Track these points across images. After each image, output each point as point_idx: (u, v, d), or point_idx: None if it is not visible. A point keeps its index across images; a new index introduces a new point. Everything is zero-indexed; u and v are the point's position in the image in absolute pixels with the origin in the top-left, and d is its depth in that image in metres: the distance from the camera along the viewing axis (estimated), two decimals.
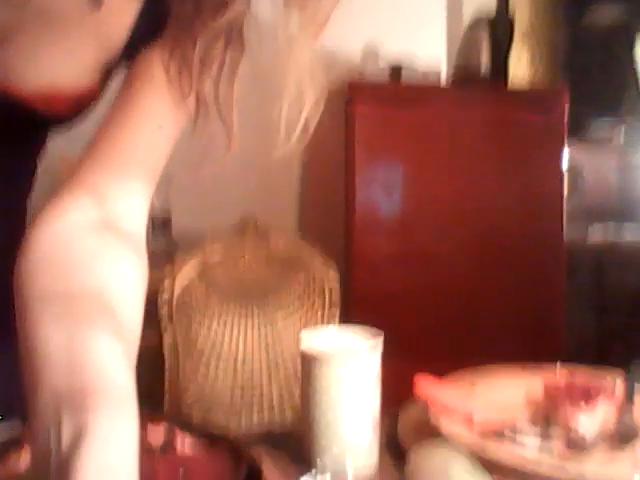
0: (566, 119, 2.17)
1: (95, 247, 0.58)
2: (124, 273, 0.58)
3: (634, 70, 2.80)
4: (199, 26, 0.60)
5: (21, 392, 0.50)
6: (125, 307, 0.56)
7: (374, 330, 0.79)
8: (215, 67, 0.63)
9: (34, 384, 0.48)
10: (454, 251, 2.11)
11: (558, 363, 0.96)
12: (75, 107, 0.65)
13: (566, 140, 2.18)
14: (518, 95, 2.37)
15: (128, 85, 0.65)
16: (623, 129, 2.81)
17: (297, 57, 0.62)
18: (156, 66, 0.63)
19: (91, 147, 0.63)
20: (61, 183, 0.62)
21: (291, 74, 0.62)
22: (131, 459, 0.43)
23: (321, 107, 0.62)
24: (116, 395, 0.46)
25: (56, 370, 0.47)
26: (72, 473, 0.41)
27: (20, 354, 0.51)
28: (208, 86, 0.63)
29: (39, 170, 0.76)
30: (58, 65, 0.61)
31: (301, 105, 0.62)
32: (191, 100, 0.63)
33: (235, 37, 0.63)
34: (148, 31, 0.64)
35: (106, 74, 0.65)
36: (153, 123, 0.64)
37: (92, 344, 0.49)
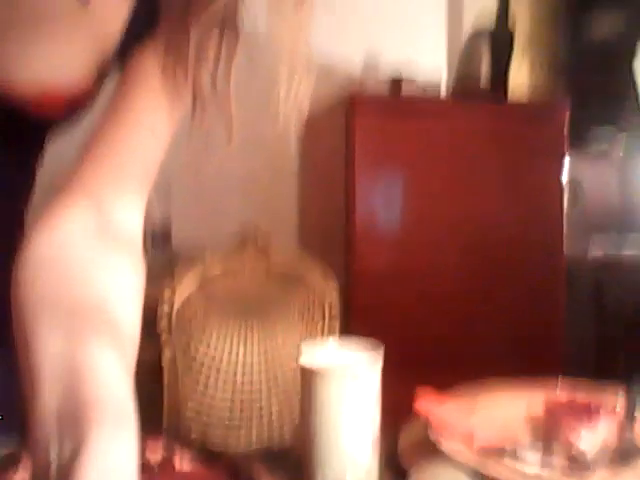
0: (566, 131, 2.17)
1: (93, 253, 0.58)
2: (122, 279, 0.58)
3: (634, 81, 2.80)
4: (191, 17, 0.60)
5: (19, 406, 0.49)
6: (124, 314, 0.55)
7: (374, 342, 0.79)
8: (211, 58, 0.62)
9: (33, 394, 0.48)
10: (454, 264, 2.10)
11: (559, 378, 0.95)
12: (69, 107, 0.64)
13: (566, 152, 2.18)
14: (518, 107, 2.38)
15: (122, 86, 0.64)
16: (623, 140, 2.81)
17: (289, 39, 0.61)
18: (150, 64, 0.63)
19: (86, 150, 0.62)
20: (57, 187, 0.61)
21: (284, 56, 0.61)
22: (131, 473, 0.43)
23: (311, 86, 0.61)
24: (116, 410, 0.46)
25: (55, 382, 0.47)
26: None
27: (19, 363, 0.51)
28: (205, 78, 0.62)
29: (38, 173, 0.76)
30: (51, 65, 0.61)
31: (295, 85, 0.61)
32: (187, 95, 0.62)
33: (229, 26, 0.63)
34: (141, 29, 0.63)
35: (101, 74, 0.65)
36: (147, 126, 0.63)
37: (91, 356, 0.49)
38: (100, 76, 0.65)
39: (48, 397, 0.47)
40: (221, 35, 0.62)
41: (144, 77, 0.63)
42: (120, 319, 0.55)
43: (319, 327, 1.38)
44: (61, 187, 0.61)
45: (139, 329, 0.57)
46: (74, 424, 0.44)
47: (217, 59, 0.63)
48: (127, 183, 0.63)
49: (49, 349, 0.49)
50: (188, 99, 0.63)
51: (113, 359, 0.50)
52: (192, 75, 0.61)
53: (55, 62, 0.61)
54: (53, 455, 0.44)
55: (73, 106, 0.65)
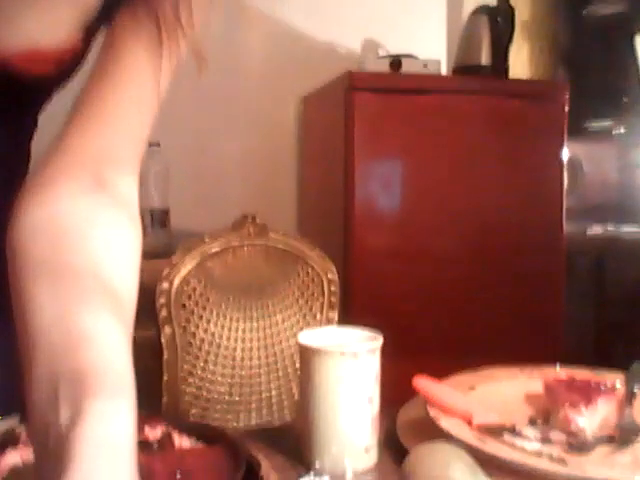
0: (566, 110, 2.17)
1: (89, 212, 0.57)
2: (119, 237, 0.58)
3: (634, 63, 2.78)
4: None
5: (18, 387, 0.49)
6: (121, 274, 0.55)
7: (374, 331, 0.79)
8: (184, 4, 0.61)
9: (30, 356, 0.48)
10: (453, 244, 2.10)
11: (557, 364, 0.96)
12: (57, 66, 0.63)
13: (566, 132, 2.17)
14: (519, 84, 2.36)
15: (110, 39, 0.63)
16: (623, 123, 2.80)
17: None
18: (134, 21, 0.62)
19: (77, 108, 0.61)
20: (49, 151, 0.60)
21: None
22: (128, 441, 0.43)
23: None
24: (113, 378, 0.46)
25: (51, 346, 0.47)
26: (71, 448, 0.41)
27: (16, 326, 0.51)
28: (168, 8, 0.61)
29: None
30: (36, 24, 0.60)
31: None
32: (158, 36, 0.61)
33: None
34: None
35: (88, 33, 0.64)
36: (137, 80, 0.62)
37: (87, 322, 0.49)
38: (87, 35, 0.64)
39: (45, 363, 0.47)
40: None
41: (129, 35, 0.62)
42: (116, 281, 0.54)
43: (319, 304, 1.38)
44: (54, 151, 0.60)
45: (136, 287, 0.57)
46: (71, 391, 0.44)
47: (189, 6, 0.62)
48: (121, 140, 0.62)
49: (45, 315, 0.49)
50: (154, 32, 0.62)
51: (110, 325, 0.50)
52: (155, 6, 0.61)
53: (41, 21, 0.60)
54: (51, 421, 0.44)
55: (61, 65, 0.64)
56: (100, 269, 0.54)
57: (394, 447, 0.78)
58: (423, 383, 0.83)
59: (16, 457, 0.62)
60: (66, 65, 0.64)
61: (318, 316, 1.38)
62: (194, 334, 1.31)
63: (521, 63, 2.78)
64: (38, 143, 0.76)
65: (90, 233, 0.56)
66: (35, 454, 0.46)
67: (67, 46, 0.62)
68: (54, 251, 0.54)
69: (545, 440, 0.75)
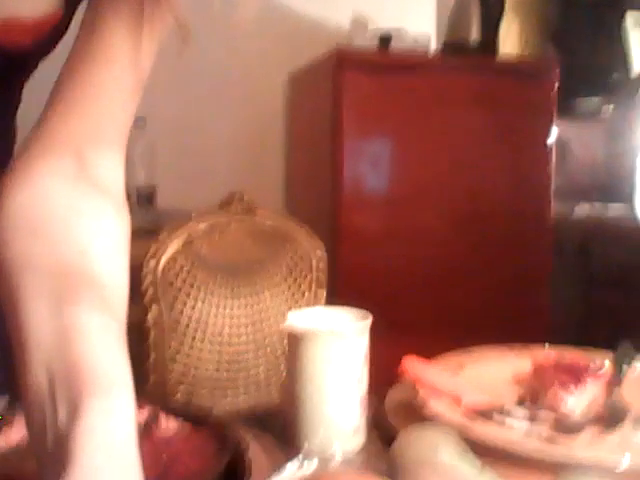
0: (555, 88, 2.16)
1: (74, 201, 0.56)
2: (106, 224, 0.56)
3: (623, 45, 2.77)
4: None
5: (9, 367, 0.49)
6: (109, 265, 0.54)
7: (362, 312, 0.78)
8: None
9: (23, 357, 0.47)
10: (441, 225, 2.10)
11: (546, 344, 0.96)
12: (37, 36, 0.62)
13: (555, 112, 2.17)
14: (508, 64, 2.35)
15: (90, 15, 0.60)
16: (611, 104, 2.80)
17: None
18: None
19: (58, 89, 0.59)
20: (31, 136, 0.58)
21: None
22: (129, 436, 0.43)
23: None
24: (110, 376, 0.45)
25: (44, 346, 0.47)
26: (70, 447, 0.41)
27: (7, 325, 0.50)
28: None
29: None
30: None
31: None
32: (141, 12, 0.59)
33: None
34: None
35: (70, 2, 0.63)
36: (120, 59, 0.59)
37: (78, 320, 0.48)
38: (68, 4, 0.63)
39: (39, 362, 0.46)
40: None
41: (110, 13, 0.59)
42: (105, 273, 0.53)
43: (307, 282, 1.37)
44: (36, 136, 0.58)
45: (127, 276, 0.56)
46: (67, 388, 0.44)
47: None
48: (105, 125, 0.60)
49: (35, 314, 0.49)
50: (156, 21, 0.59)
51: (101, 322, 0.49)
52: None
53: None
54: (49, 419, 0.43)
55: (41, 35, 0.62)
56: (86, 264, 0.52)
57: (383, 428, 0.78)
58: (411, 364, 0.83)
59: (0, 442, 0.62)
60: (46, 36, 0.63)
61: (306, 294, 1.38)
62: (181, 312, 1.30)
63: (511, 40, 2.76)
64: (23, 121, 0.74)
65: (74, 223, 0.54)
66: (35, 455, 0.45)
67: (47, 17, 0.61)
68: (39, 248, 0.52)
69: (534, 420, 0.75)
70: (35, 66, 0.68)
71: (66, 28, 0.65)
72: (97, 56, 0.59)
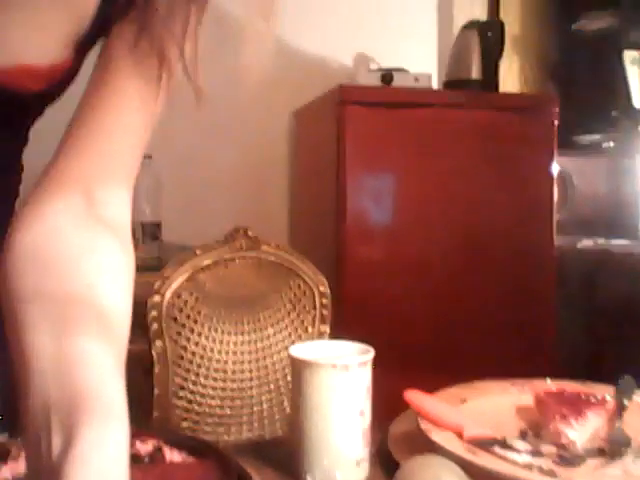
0: (556, 124, 2.18)
1: (82, 239, 0.57)
2: (112, 261, 0.58)
3: (623, 78, 2.81)
4: None
5: (10, 399, 0.49)
6: (113, 300, 0.55)
7: (365, 346, 0.79)
8: (179, 23, 0.61)
9: (25, 388, 0.48)
10: (444, 259, 2.11)
11: (547, 379, 0.96)
12: (48, 83, 0.63)
13: (556, 145, 2.19)
14: (509, 98, 2.38)
15: (103, 61, 0.63)
16: (612, 138, 2.82)
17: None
18: (127, 40, 0.61)
19: (70, 131, 0.61)
20: (43, 173, 0.61)
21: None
22: (122, 467, 0.43)
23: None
24: (106, 404, 0.46)
25: (45, 376, 0.47)
26: (64, 477, 0.41)
27: (10, 353, 0.51)
28: (171, 43, 0.61)
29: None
30: (26, 39, 0.60)
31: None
32: (153, 62, 0.61)
33: None
34: (120, 5, 0.62)
35: (80, 49, 0.64)
36: (130, 104, 0.62)
37: (81, 352, 0.49)
38: (79, 50, 0.64)
39: (38, 390, 0.47)
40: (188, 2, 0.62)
41: (122, 54, 0.62)
42: (110, 306, 0.54)
43: (310, 317, 1.38)
44: (48, 174, 0.60)
45: (130, 313, 0.57)
46: (64, 416, 0.44)
47: (185, 23, 0.62)
48: (114, 166, 0.62)
49: (38, 340, 0.49)
50: (154, 66, 0.62)
51: (103, 353, 0.50)
52: (158, 42, 0.60)
53: (32, 37, 0.60)
54: (44, 447, 0.44)
55: (53, 81, 0.64)
56: (93, 296, 0.54)
57: (386, 460, 0.78)
58: (414, 396, 0.84)
59: (6, 473, 0.62)
60: (57, 81, 0.64)
61: (310, 329, 1.38)
62: (185, 348, 1.31)
63: (511, 77, 2.80)
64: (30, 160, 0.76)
65: (82, 259, 0.56)
66: None
67: (58, 63, 0.62)
68: (45, 278, 0.54)
69: (536, 453, 0.75)
70: (42, 110, 0.70)
71: (75, 73, 0.67)
72: (110, 102, 0.61)
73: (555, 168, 2.20)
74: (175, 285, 1.30)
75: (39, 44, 0.61)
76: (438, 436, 0.76)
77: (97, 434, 0.43)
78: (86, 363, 0.48)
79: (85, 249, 0.57)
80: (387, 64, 2.42)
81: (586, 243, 2.50)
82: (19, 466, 0.63)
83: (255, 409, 1.34)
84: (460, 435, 0.77)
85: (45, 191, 0.59)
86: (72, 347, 0.49)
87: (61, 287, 0.53)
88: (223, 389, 1.33)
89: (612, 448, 0.77)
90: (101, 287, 0.55)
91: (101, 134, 0.61)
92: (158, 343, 1.28)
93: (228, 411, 1.32)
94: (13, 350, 0.51)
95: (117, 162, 0.62)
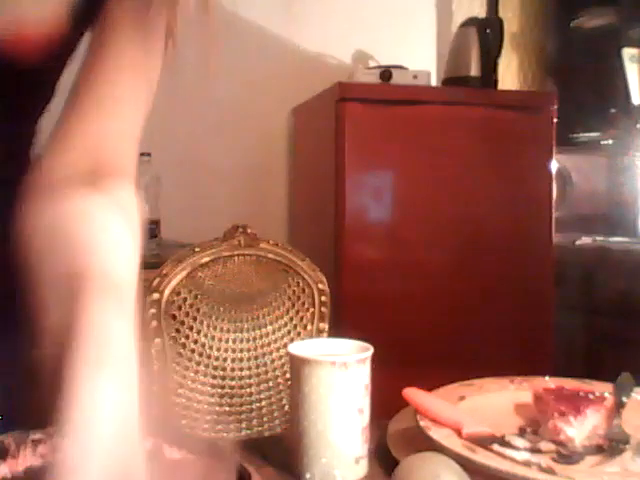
0: (555, 121, 2.18)
1: (98, 222, 0.59)
2: (125, 242, 0.59)
3: (622, 75, 2.80)
4: None
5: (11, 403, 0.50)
6: (124, 274, 0.56)
7: (364, 344, 0.79)
8: None
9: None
10: (443, 256, 2.11)
11: (546, 376, 0.96)
12: (45, 53, 0.63)
13: (555, 143, 2.19)
14: (508, 95, 2.38)
15: (100, 39, 0.64)
16: (610, 135, 2.82)
17: None
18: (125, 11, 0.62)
19: (73, 98, 0.63)
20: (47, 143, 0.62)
21: None
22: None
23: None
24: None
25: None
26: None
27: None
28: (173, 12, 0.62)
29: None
30: (20, 6, 0.60)
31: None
32: (155, 31, 0.62)
33: None
34: None
35: (78, 19, 0.64)
36: (131, 67, 0.63)
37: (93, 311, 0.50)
38: (76, 21, 0.64)
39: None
40: None
41: (120, 26, 0.63)
42: (122, 276, 0.56)
43: (309, 314, 1.38)
44: (52, 151, 0.62)
45: (136, 285, 0.58)
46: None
47: None
48: (118, 146, 0.64)
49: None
50: (162, 41, 0.63)
51: (116, 315, 0.51)
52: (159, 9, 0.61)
53: (26, 2, 0.61)
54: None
55: (50, 51, 0.64)
56: (103, 268, 0.55)
57: (385, 458, 0.78)
58: (413, 394, 0.84)
59: (4, 469, 0.62)
60: (55, 53, 0.64)
61: (309, 327, 1.38)
62: (184, 345, 1.31)
63: (510, 75, 2.80)
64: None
65: (98, 241, 0.57)
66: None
67: (54, 29, 0.62)
68: (64, 259, 0.55)
69: (534, 450, 0.75)
70: (44, 90, 0.70)
71: (73, 48, 0.67)
72: (110, 77, 0.63)
73: (554, 165, 2.20)
74: (174, 282, 1.30)
75: (34, 11, 0.61)
76: (437, 433, 0.76)
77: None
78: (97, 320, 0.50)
79: (99, 228, 0.58)
80: (386, 61, 2.42)
81: (585, 240, 2.50)
82: (18, 464, 0.63)
83: (254, 406, 1.34)
84: (459, 432, 0.77)
85: (53, 170, 0.61)
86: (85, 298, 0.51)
87: (77, 264, 0.54)
88: (222, 386, 1.33)
89: (611, 445, 0.77)
90: (111, 266, 0.56)
91: (105, 110, 0.62)
92: (157, 340, 1.28)
93: (227, 408, 1.32)
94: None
95: (122, 140, 0.64)
